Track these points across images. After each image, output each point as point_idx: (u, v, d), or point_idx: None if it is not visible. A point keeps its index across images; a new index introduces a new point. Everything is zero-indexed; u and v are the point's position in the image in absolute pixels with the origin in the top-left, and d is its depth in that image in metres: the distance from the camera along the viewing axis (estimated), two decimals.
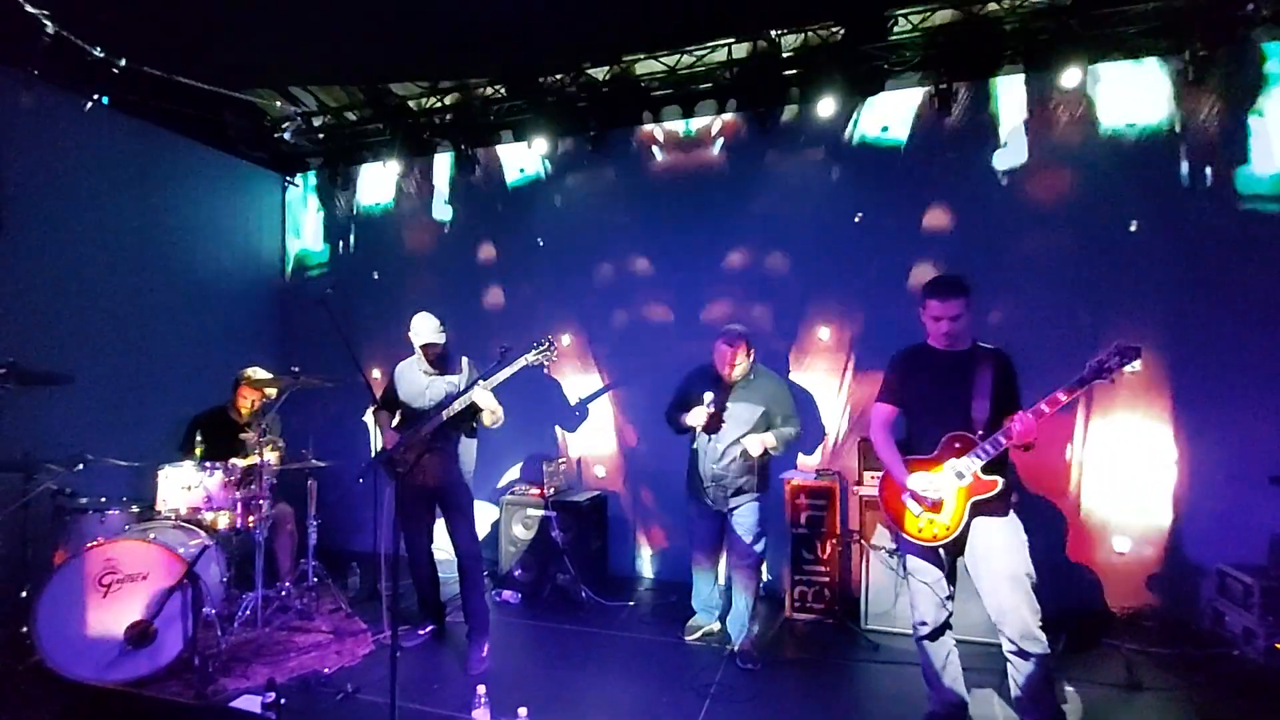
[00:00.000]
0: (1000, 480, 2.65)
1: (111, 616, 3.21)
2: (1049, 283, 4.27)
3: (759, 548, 3.66)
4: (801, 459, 4.72)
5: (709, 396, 3.53)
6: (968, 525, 2.68)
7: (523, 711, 2.53)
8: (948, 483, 2.68)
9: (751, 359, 3.66)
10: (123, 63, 3.95)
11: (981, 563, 2.68)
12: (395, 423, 3.84)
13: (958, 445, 2.68)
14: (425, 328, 3.66)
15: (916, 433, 2.85)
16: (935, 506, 2.70)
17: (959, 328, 2.73)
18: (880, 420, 2.92)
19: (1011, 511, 2.71)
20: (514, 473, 5.40)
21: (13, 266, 4.17)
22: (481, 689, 2.65)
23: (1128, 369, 2.50)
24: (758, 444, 3.50)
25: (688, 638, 3.94)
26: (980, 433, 2.64)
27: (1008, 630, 2.61)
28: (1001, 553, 2.64)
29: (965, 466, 2.65)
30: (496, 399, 3.57)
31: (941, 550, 2.79)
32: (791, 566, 4.19)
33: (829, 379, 4.72)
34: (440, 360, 3.72)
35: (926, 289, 2.81)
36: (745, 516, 3.64)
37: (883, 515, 2.92)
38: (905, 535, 2.81)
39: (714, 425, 3.59)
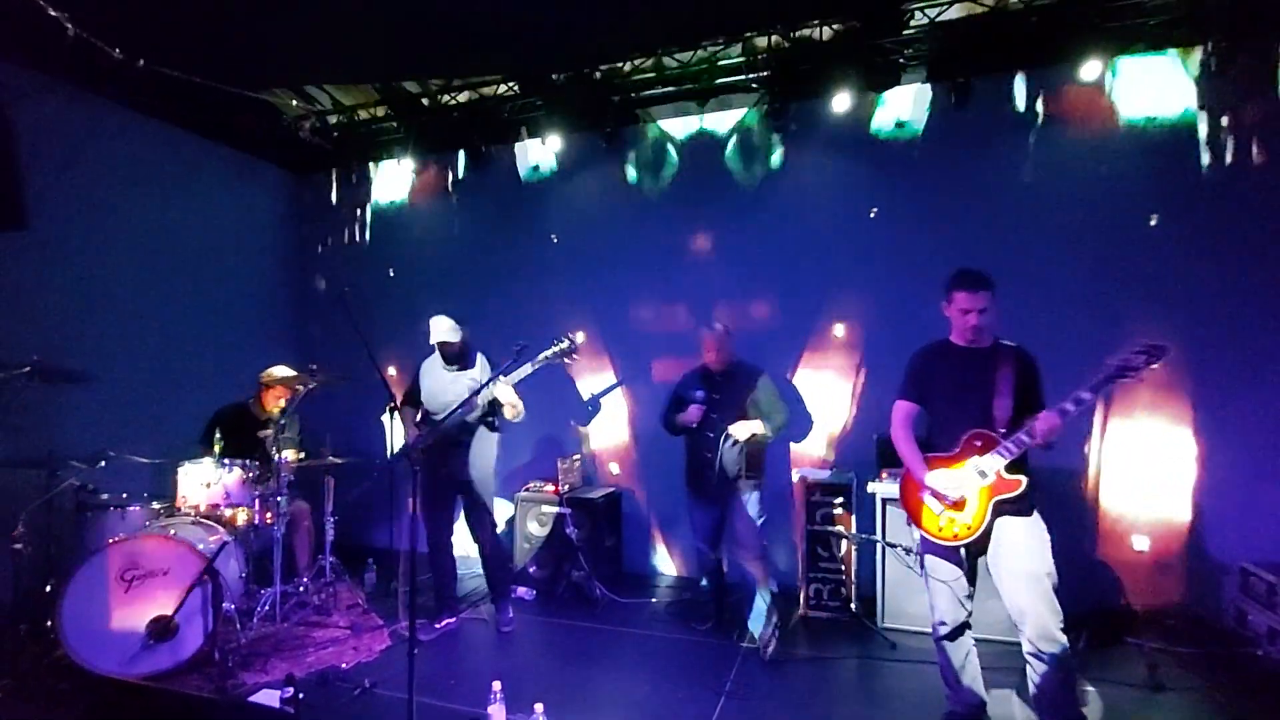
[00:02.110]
0: (1024, 480, 2.60)
1: (133, 611, 3.26)
2: (1067, 278, 4.22)
3: (761, 537, 3.74)
4: (815, 455, 4.70)
5: (699, 395, 3.75)
6: (990, 525, 2.63)
7: (539, 708, 2.54)
8: (970, 481, 2.64)
9: (732, 348, 3.85)
10: (141, 64, 4.00)
11: (1003, 562, 2.64)
12: (418, 418, 4.01)
13: (979, 443, 2.64)
14: (438, 327, 3.81)
15: (937, 430, 2.80)
16: (957, 505, 2.66)
17: (986, 321, 2.70)
18: (900, 417, 2.88)
19: (1035, 511, 2.66)
20: (530, 469, 5.40)
21: (37, 266, 4.24)
22: (497, 685, 2.66)
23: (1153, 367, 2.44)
24: (744, 429, 3.63)
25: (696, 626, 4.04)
26: (1002, 431, 2.61)
27: (1028, 631, 2.57)
28: (1023, 552, 2.59)
29: (988, 465, 2.60)
30: (517, 394, 3.71)
31: (963, 550, 2.75)
32: (806, 564, 4.17)
33: (843, 375, 4.70)
34: (458, 357, 3.88)
35: (953, 281, 2.75)
36: (742, 506, 3.71)
37: (904, 514, 2.89)
38: (926, 534, 2.77)
39: (706, 420, 3.74)
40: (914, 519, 2.82)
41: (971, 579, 2.80)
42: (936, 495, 2.70)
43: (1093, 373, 2.53)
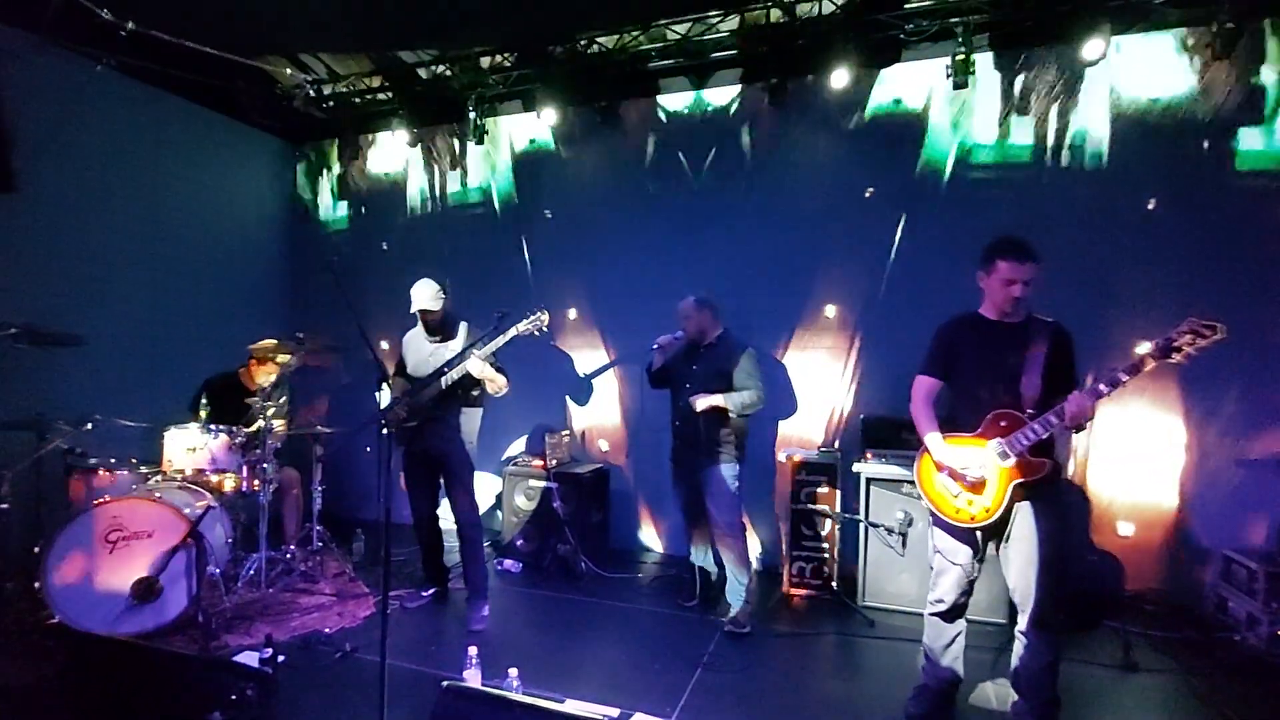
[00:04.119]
0: (1048, 462, 2.50)
1: (118, 572, 3.29)
2: (1062, 262, 4.16)
3: (735, 515, 3.67)
4: (805, 436, 4.71)
5: (665, 338, 3.85)
6: (1009, 509, 2.53)
7: (513, 672, 2.57)
8: (991, 462, 2.53)
9: (713, 320, 3.80)
10: (130, 25, 3.96)
11: (1014, 544, 2.57)
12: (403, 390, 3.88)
13: (1004, 424, 2.52)
14: (420, 294, 3.67)
15: (961, 408, 2.68)
16: (976, 487, 2.56)
17: (1028, 295, 2.55)
18: (922, 393, 2.75)
19: (1058, 496, 2.58)
20: (519, 444, 5.43)
21: (26, 228, 4.23)
22: (473, 650, 2.69)
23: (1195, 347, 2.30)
24: (703, 401, 3.58)
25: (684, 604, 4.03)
26: (1030, 411, 2.49)
27: (1029, 614, 2.53)
28: (1041, 538, 2.51)
29: (1011, 446, 2.49)
30: (496, 369, 3.57)
31: (979, 533, 2.64)
32: (790, 543, 4.19)
33: (834, 356, 4.68)
34: (440, 326, 3.76)
35: (997, 249, 2.58)
36: (714, 481, 3.65)
37: (921, 497, 2.77)
38: (942, 516, 2.67)
39: (683, 392, 3.73)
40: (930, 499, 2.70)
41: (981, 563, 2.71)
42: (955, 476, 2.59)
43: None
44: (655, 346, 3.89)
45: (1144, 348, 2.40)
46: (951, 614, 2.74)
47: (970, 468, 2.56)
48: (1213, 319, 2.31)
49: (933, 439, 2.68)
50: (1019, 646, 2.60)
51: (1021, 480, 2.51)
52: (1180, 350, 2.32)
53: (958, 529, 2.66)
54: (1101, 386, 2.39)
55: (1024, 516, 2.55)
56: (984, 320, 2.69)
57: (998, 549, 2.68)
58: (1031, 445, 2.48)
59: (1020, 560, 2.55)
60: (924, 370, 2.79)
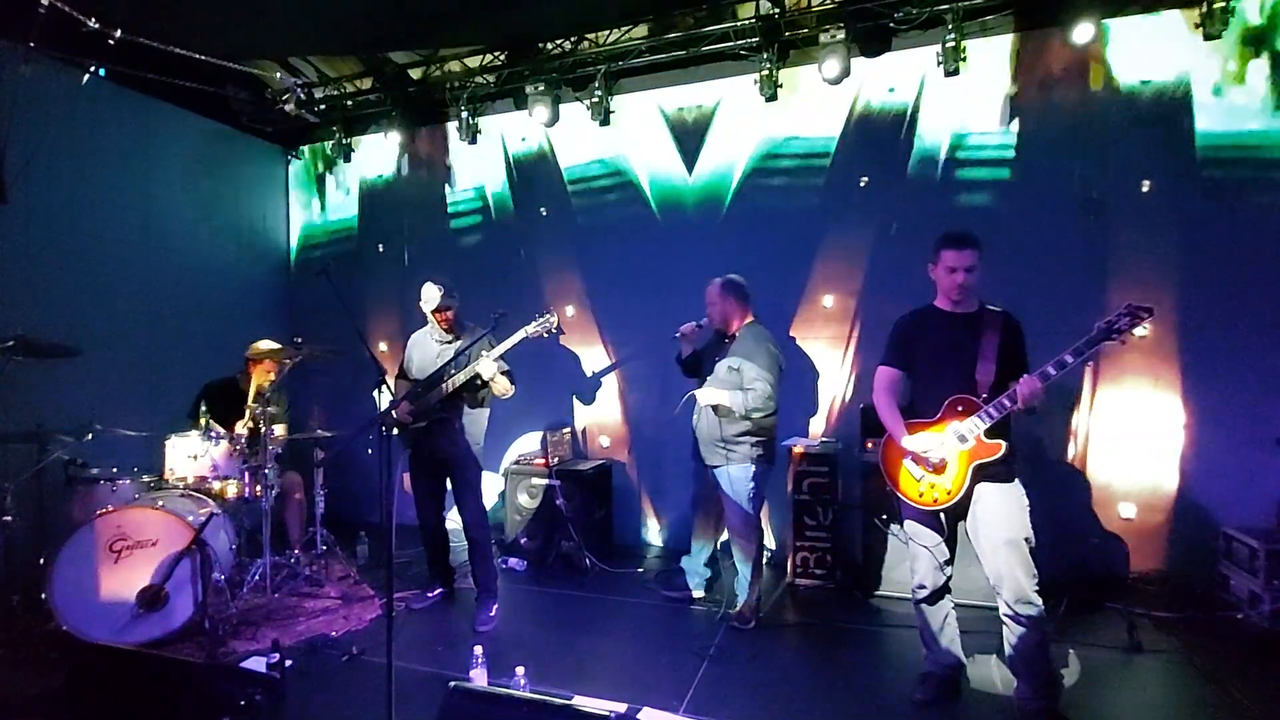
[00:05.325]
0: (1004, 444, 2.59)
1: (123, 581, 3.30)
2: (1057, 246, 4.18)
3: (747, 516, 3.54)
4: (805, 424, 4.71)
5: (687, 326, 3.78)
6: (970, 490, 2.64)
7: (520, 670, 2.58)
8: (950, 446, 2.64)
9: (739, 307, 3.65)
10: (118, 33, 3.94)
11: (982, 527, 2.65)
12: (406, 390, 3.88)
13: (960, 408, 2.63)
14: (431, 294, 3.67)
15: (920, 396, 2.79)
16: (937, 470, 2.67)
17: (972, 281, 2.68)
18: (883, 383, 2.86)
19: (1016, 477, 2.67)
20: (520, 444, 5.43)
21: (19, 240, 4.22)
22: (479, 649, 2.70)
23: (1137, 331, 2.43)
24: (709, 395, 3.47)
25: (663, 592, 4.06)
26: (984, 395, 2.60)
27: (1004, 594, 2.61)
28: (1002, 517, 2.61)
29: (968, 429, 2.60)
30: (504, 372, 3.57)
31: (942, 515, 2.76)
32: (794, 533, 4.19)
33: (833, 347, 4.68)
34: (454, 327, 3.75)
35: (940, 241, 2.73)
36: (726, 479, 3.57)
37: (884, 479, 2.88)
38: (906, 499, 2.78)
39: (695, 364, 3.75)
40: (894, 484, 2.82)
41: (951, 545, 2.83)
42: (917, 460, 2.70)
43: (1078, 339, 2.51)
44: (677, 334, 3.83)
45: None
46: (934, 596, 2.85)
47: (931, 451, 2.65)
48: (1147, 304, 2.43)
49: (895, 426, 2.78)
50: (1007, 631, 2.66)
51: (979, 461, 2.61)
52: (1121, 332, 2.44)
53: (923, 513, 2.77)
54: (1049, 369, 2.50)
55: (985, 497, 2.65)
56: (938, 311, 2.80)
57: (965, 533, 2.76)
58: (987, 428, 2.58)
59: (988, 541, 2.64)
60: (885, 362, 2.90)
